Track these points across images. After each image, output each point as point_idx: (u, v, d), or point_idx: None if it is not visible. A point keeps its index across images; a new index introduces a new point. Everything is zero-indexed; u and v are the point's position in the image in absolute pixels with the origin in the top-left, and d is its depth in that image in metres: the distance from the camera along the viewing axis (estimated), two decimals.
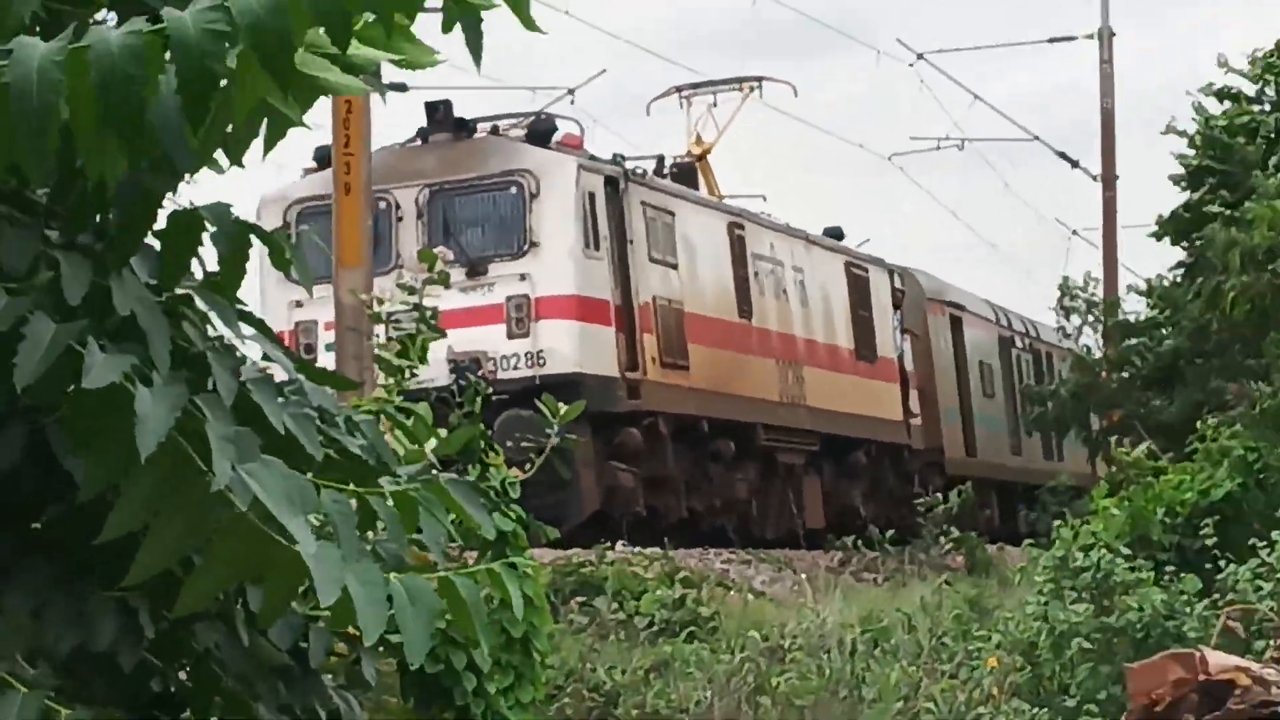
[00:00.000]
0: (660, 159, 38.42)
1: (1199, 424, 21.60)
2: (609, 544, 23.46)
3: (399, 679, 8.24)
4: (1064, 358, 53.63)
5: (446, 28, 5.73)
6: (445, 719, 8.32)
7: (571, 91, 46.95)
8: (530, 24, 5.78)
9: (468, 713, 8.33)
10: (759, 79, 43.35)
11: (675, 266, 34.83)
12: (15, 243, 5.82)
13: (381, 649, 8.15)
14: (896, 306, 44.75)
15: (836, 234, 44.13)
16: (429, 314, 9.97)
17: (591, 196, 32.30)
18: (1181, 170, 38.84)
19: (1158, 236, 37.78)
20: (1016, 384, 51.66)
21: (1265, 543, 16.49)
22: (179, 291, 6.21)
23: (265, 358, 6.41)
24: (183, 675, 6.53)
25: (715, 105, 42.70)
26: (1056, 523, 18.75)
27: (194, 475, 5.45)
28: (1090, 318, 43.95)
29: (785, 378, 38.29)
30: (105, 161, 5.50)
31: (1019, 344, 52.90)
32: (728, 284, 37.14)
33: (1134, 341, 36.32)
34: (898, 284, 45.08)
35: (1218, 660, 11.59)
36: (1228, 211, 32.39)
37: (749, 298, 37.85)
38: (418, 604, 5.74)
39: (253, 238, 6.05)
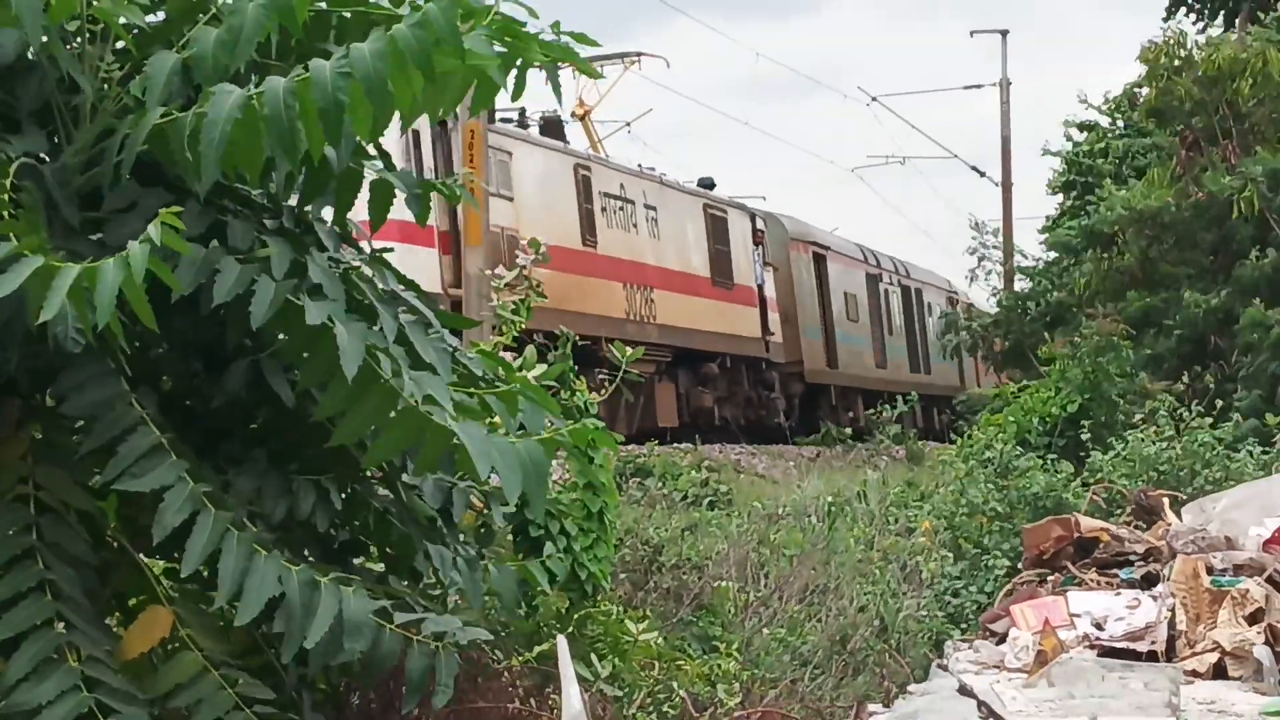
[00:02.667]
0: (522, 111, 32.76)
1: (1045, 349, 22.23)
2: (656, 441, 23.50)
3: (513, 540, 8.21)
4: (940, 293, 52.30)
5: None
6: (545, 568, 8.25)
7: (629, 124, 46.05)
8: (593, 74, 5.86)
9: (560, 562, 8.28)
10: (639, 54, 38.57)
11: (511, 199, 29.76)
12: (239, 230, 5.89)
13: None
14: (758, 244, 39.87)
15: (708, 184, 39.78)
16: (535, 283, 9.83)
17: (416, 135, 26.92)
18: (1055, 182, 40.80)
19: (1047, 230, 38.05)
20: (883, 311, 47.44)
21: (1119, 439, 16.62)
22: (352, 263, 6.27)
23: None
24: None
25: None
26: (970, 427, 18.69)
27: (375, 379, 5.61)
28: (989, 266, 41.99)
29: (633, 299, 33.73)
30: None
31: (887, 280, 48.36)
32: (571, 216, 31.77)
33: (1031, 288, 35.84)
34: (759, 225, 40.26)
35: (1088, 523, 11.58)
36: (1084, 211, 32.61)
37: (594, 229, 32.46)
38: (536, 463, 5.80)
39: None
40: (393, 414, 5.67)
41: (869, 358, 45.70)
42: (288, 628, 5.60)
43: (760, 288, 39.56)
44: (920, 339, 49.92)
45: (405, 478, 6.51)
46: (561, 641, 6.19)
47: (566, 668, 5.89)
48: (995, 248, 39.00)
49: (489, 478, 5.81)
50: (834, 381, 43.00)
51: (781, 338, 40.14)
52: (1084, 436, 17.54)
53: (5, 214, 5.28)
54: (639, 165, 35.95)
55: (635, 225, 34.48)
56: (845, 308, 44.35)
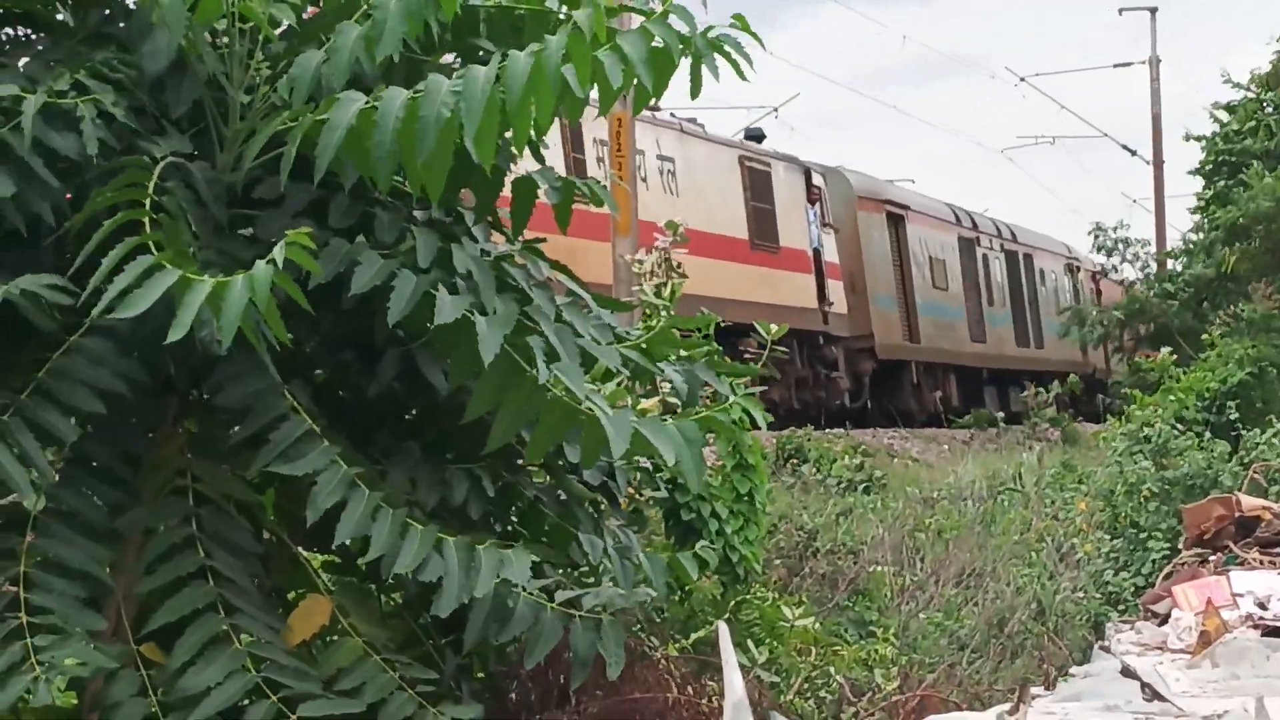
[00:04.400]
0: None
1: (1206, 335, 21.66)
2: (811, 427, 23.31)
3: (663, 524, 8.19)
4: (1058, 259, 47.65)
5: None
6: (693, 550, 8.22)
7: (775, 109, 46.22)
8: (741, 75, 5.75)
9: (712, 546, 8.25)
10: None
11: None
12: (386, 221, 5.90)
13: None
14: (813, 201, 33.62)
15: (756, 135, 35.00)
16: (677, 265, 9.77)
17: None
18: (1200, 166, 39.06)
19: (1200, 211, 37.17)
20: (980, 278, 41.75)
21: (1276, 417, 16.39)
22: (503, 250, 6.27)
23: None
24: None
25: None
26: (1126, 406, 18.42)
27: (522, 374, 5.61)
28: (1125, 255, 40.25)
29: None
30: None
31: (986, 244, 42.60)
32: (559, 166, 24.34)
33: (1177, 270, 35.07)
34: (816, 181, 34.01)
35: (1249, 501, 11.40)
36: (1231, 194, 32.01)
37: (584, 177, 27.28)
38: (690, 440, 5.79)
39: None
40: (542, 407, 5.66)
41: (962, 330, 40.25)
42: (446, 587, 5.61)
43: (817, 252, 33.75)
44: (1031, 310, 44.89)
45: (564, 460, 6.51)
46: (722, 627, 6.15)
47: (728, 653, 5.85)
48: (1125, 242, 38.07)
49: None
50: (914, 357, 37.03)
51: (846, 308, 34.40)
52: (1232, 417, 17.26)
53: (148, 220, 5.32)
54: (665, 113, 30.08)
55: (644, 179, 28.19)
56: (930, 274, 38.87)
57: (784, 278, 32.26)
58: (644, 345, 6.18)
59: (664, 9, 5.54)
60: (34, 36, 6.18)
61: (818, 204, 33.72)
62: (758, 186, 31.80)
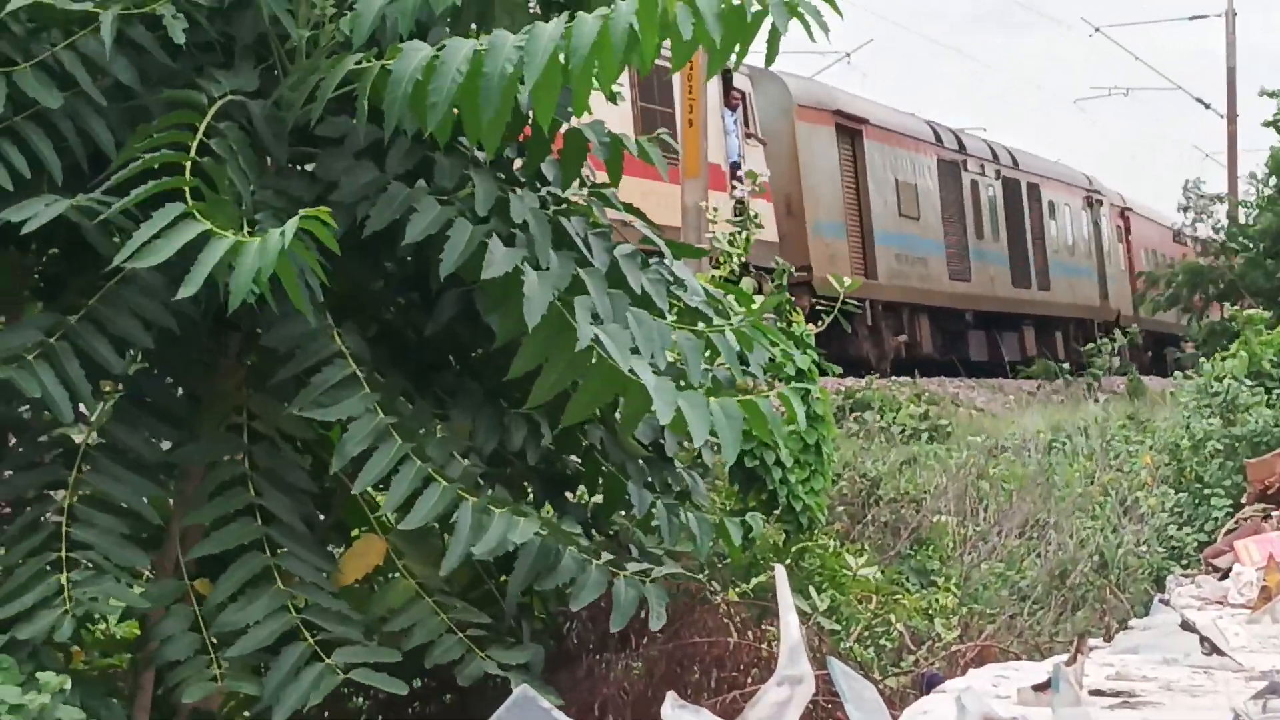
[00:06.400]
0: None
1: None
2: (876, 375, 22.98)
3: (727, 471, 8.06)
4: (1074, 192, 40.60)
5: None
6: (760, 499, 8.09)
7: (848, 55, 44.85)
8: (811, 37, 5.50)
9: (775, 496, 8.13)
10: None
11: None
12: (447, 168, 5.72)
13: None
14: (732, 108, 26.51)
15: None
16: (754, 216, 9.64)
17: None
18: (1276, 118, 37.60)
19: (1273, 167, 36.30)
20: (967, 208, 34.69)
21: None
22: (569, 196, 6.13)
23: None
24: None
25: None
26: (1201, 360, 18.11)
27: (570, 332, 5.41)
28: (1204, 215, 38.91)
29: None
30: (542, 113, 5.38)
31: (975, 169, 35.35)
32: None
33: (1249, 225, 34.32)
34: (738, 85, 26.70)
35: None
36: None
37: None
38: (729, 418, 5.62)
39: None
40: (586, 369, 5.49)
41: (937, 266, 33.24)
42: (454, 544, 5.50)
43: (735, 166, 26.12)
44: (1036, 247, 37.95)
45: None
46: (780, 571, 6.03)
47: (785, 597, 5.73)
48: (1213, 200, 36.77)
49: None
50: (870, 295, 28.69)
51: (776, 235, 26.85)
52: None
53: (188, 166, 5.18)
54: None
55: None
56: (896, 200, 31.91)
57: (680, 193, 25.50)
58: (742, 330, 6.04)
59: None
60: None
61: (739, 110, 26.87)
62: (649, 87, 24.75)
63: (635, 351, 5.52)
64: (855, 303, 10.10)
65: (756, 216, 9.55)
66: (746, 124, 27.19)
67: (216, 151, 5.26)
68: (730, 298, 6.85)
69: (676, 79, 20.90)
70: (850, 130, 30.67)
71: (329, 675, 5.40)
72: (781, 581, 6.01)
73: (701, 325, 6.02)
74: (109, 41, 5.29)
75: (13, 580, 5.28)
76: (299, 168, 5.73)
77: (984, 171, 36.03)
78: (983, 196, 35.76)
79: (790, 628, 5.59)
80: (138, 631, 5.95)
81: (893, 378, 23.95)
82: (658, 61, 5.36)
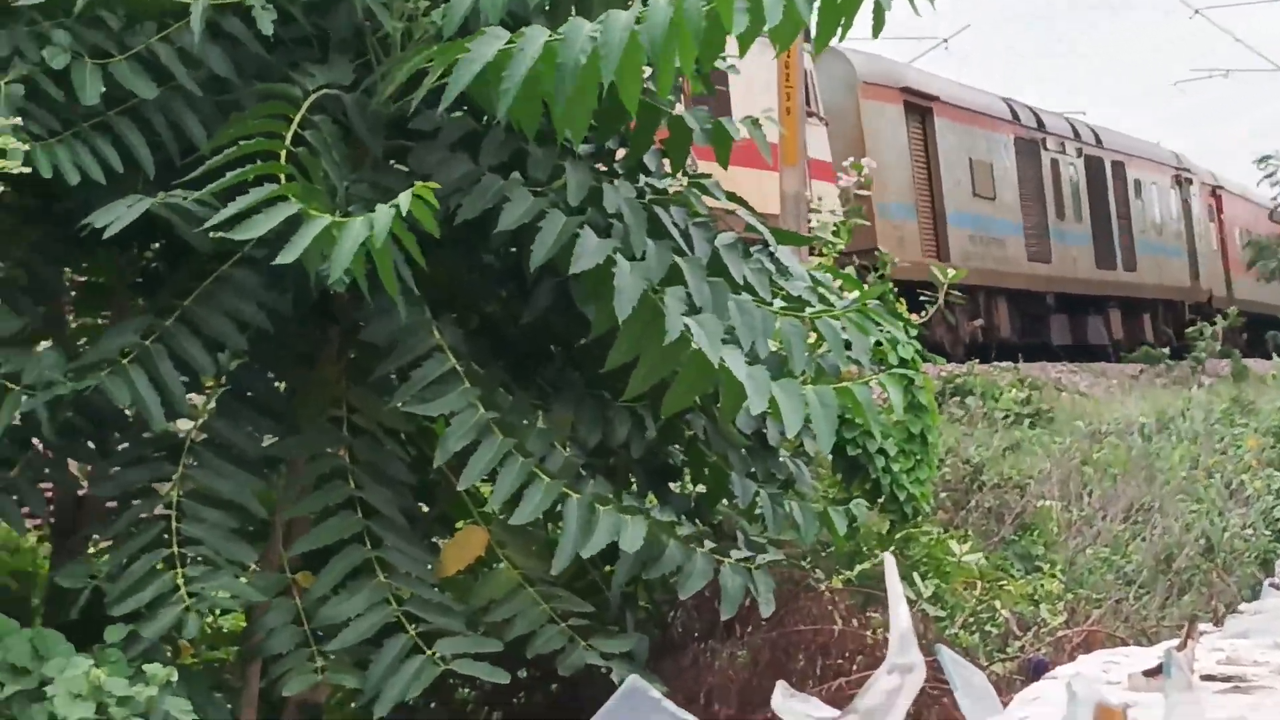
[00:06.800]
0: None
1: None
2: (977, 360, 22.72)
3: (830, 460, 7.99)
4: (1162, 171, 38.91)
5: None
6: (863, 489, 8.01)
7: (945, 40, 44.40)
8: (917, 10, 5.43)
9: (878, 484, 8.04)
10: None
11: None
12: (539, 158, 5.67)
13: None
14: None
15: None
16: (858, 206, 9.55)
17: None
18: None
19: None
20: (1047, 187, 33.14)
21: None
22: (670, 187, 6.07)
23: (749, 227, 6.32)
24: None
25: None
26: None
27: (664, 323, 5.32)
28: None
29: None
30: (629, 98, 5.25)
31: (1055, 147, 33.65)
32: None
33: None
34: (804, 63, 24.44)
35: None
36: None
37: None
38: (825, 406, 5.56)
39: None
40: (681, 360, 5.43)
41: (1015, 248, 31.86)
42: (562, 544, 5.45)
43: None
44: (1121, 226, 36.32)
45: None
46: (889, 559, 5.98)
47: (894, 585, 5.66)
48: None
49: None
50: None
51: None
52: None
53: (283, 154, 5.15)
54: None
55: None
56: (970, 180, 30.58)
57: (741, 176, 23.72)
58: (852, 318, 5.97)
59: None
60: None
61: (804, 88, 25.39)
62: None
63: (730, 341, 5.45)
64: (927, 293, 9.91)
65: (862, 209, 9.45)
66: (808, 102, 24.91)
67: (311, 143, 5.24)
68: (837, 283, 6.79)
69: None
70: (920, 108, 29.40)
71: (430, 666, 5.37)
72: (891, 570, 5.95)
73: (805, 312, 5.96)
74: (198, 29, 5.26)
75: (127, 577, 5.29)
76: (392, 162, 5.70)
77: (1065, 150, 34.52)
78: (1064, 175, 34.25)
79: (900, 616, 5.53)
80: (243, 625, 5.96)
81: (994, 363, 23.74)
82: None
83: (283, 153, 5.10)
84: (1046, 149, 33.55)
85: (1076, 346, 32.08)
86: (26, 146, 5.02)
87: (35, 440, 5.55)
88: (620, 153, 6.13)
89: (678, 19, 4.96)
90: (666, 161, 6.21)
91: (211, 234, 5.02)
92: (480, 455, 5.37)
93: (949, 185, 29.73)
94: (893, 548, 8.09)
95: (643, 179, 6.08)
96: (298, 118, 5.24)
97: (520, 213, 5.41)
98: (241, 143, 5.10)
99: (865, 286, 7.65)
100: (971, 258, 29.01)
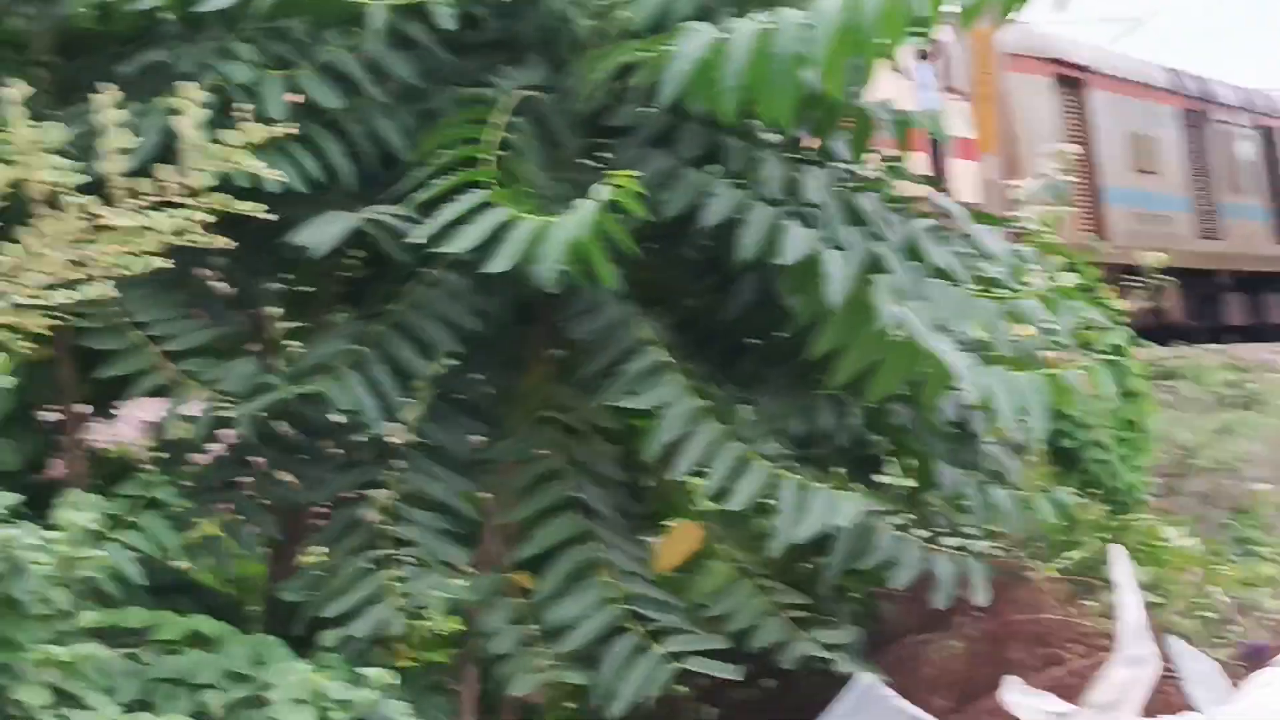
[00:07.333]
0: None
1: None
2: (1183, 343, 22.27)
3: (1045, 451, 7.86)
4: None
5: None
6: (1079, 479, 7.89)
7: (1141, 20, 42.07)
8: None
9: (1092, 474, 7.90)
10: None
11: None
12: (736, 150, 5.64)
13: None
14: (926, 58, 22.72)
15: None
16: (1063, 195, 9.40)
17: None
18: None
19: None
20: (1215, 161, 30.41)
21: None
22: (868, 176, 5.99)
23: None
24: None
25: None
26: None
27: (870, 311, 5.28)
28: None
29: None
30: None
31: (1224, 118, 30.95)
32: None
33: None
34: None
35: None
36: None
37: None
38: (1037, 392, 5.48)
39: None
40: (888, 347, 5.36)
41: (1183, 225, 29.28)
42: (780, 526, 5.40)
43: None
44: None
45: None
46: (1117, 550, 5.90)
47: (1123, 576, 5.57)
48: None
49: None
50: (1103, 259, 21.27)
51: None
52: None
53: (492, 158, 5.15)
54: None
55: None
56: (1133, 155, 28.24)
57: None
58: (1046, 296, 5.87)
59: None
60: None
61: (939, 62, 23.63)
62: None
63: (937, 327, 5.38)
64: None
65: (1066, 198, 9.26)
66: (946, 77, 23.64)
67: (515, 146, 5.23)
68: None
69: None
70: (1072, 80, 26.95)
71: (662, 665, 5.34)
72: (1119, 561, 5.85)
73: (1006, 295, 5.86)
74: (377, 29, 5.26)
75: (339, 579, 5.33)
76: (589, 160, 5.69)
77: (1236, 120, 31.71)
78: (1237, 148, 31.56)
79: (1130, 608, 5.42)
80: (460, 627, 5.97)
81: (1201, 345, 23.27)
82: None
83: (491, 157, 5.10)
84: (1214, 120, 31.01)
85: (1257, 327, 30.24)
86: (272, 172, 4.95)
87: (253, 458, 5.59)
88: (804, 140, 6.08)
89: (890, 3, 4.89)
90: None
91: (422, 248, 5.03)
92: (694, 443, 5.33)
93: (1107, 160, 27.48)
94: (1107, 534, 7.97)
95: (829, 166, 6.02)
96: (502, 122, 5.23)
97: (724, 207, 5.37)
98: (445, 151, 5.11)
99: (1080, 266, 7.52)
100: (1135, 236, 26.63)
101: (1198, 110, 30.35)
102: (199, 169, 4.77)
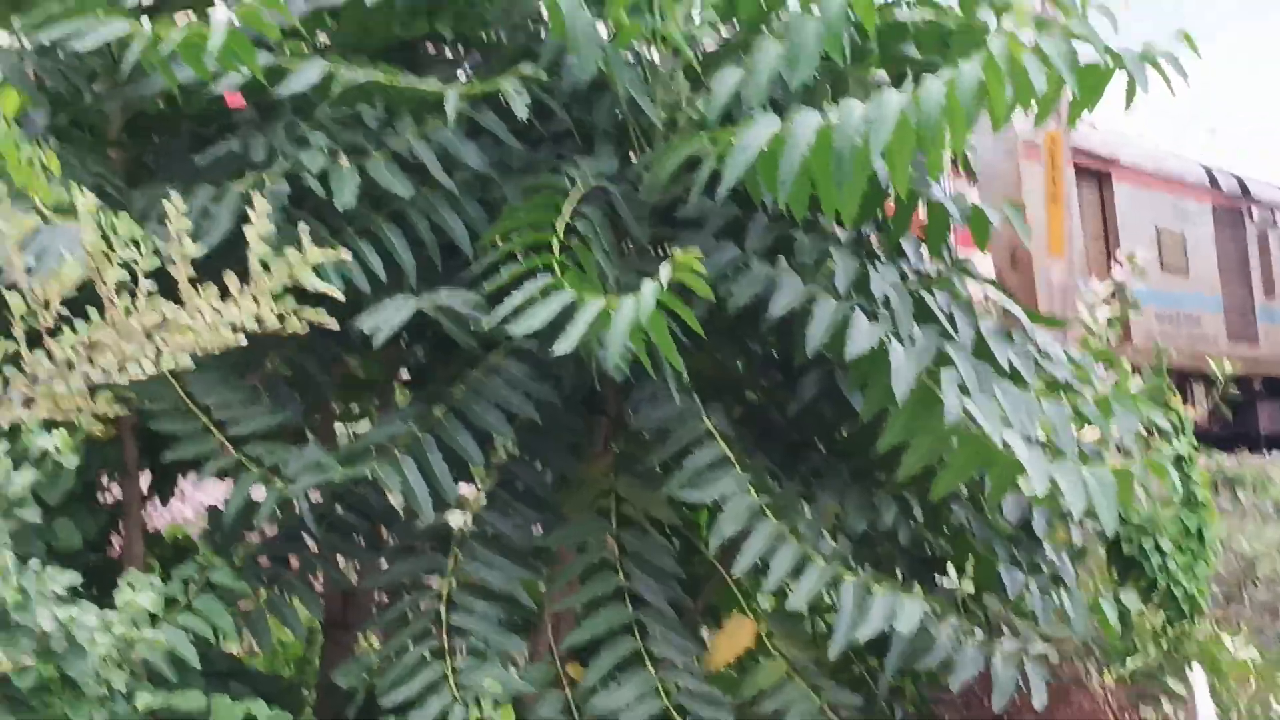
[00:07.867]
0: None
1: None
2: (1246, 449, 22.07)
3: (1106, 556, 7.77)
4: None
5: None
6: (1139, 586, 7.77)
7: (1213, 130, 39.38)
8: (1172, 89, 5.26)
9: (1155, 581, 7.79)
10: None
11: None
12: (806, 244, 5.59)
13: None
14: None
15: None
16: (1134, 302, 9.32)
17: None
18: None
19: None
20: (1253, 259, 29.60)
21: None
22: (933, 273, 5.97)
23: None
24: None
25: None
26: None
27: (938, 405, 5.17)
28: None
29: None
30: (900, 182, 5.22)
31: (1264, 216, 30.18)
32: None
33: None
34: None
35: None
36: None
37: None
38: (1104, 486, 5.33)
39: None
40: (955, 442, 5.27)
41: (1214, 326, 28.49)
42: (839, 626, 5.29)
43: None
44: None
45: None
46: (1198, 673, 5.81)
47: (1203, 704, 5.49)
48: None
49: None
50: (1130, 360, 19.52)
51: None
52: None
53: (556, 244, 5.12)
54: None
55: None
56: (1158, 252, 27.25)
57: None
58: (1104, 399, 5.80)
59: (1081, 6, 5.16)
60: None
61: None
62: None
63: (1004, 424, 5.31)
64: None
65: (1137, 302, 9.18)
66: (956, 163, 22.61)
67: (583, 234, 5.21)
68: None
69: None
70: (1094, 173, 26.33)
71: None
72: (1200, 686, 5.77)
73: (1071, 396, 5.79)
74: (452, 116, 5.23)
75: (397, 668, 5.28)
76: (657, 250, 5.67)
77: (1276, 220, 30.80)
78: (1274, 247, 30.57)
79: None
80: (512, 716, 5.92)
81: (1266, 453, 23.00)
82: None
83: (555, 243, 5.07)
84: (1252, 218, 30.05)
85: None
86: (332, 289, 4.91)
87: (306, 537, 5.57)
88: (875, 238, 6.04)
89: (951, 98, 4.85)
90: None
91: (490, 328, 5.00)
92: (754, 540, 5.26)
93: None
94: (1167, 644, 7.86)
95: (901, 263, 5.99)
96: (569, 209, 5.21)
97: (791, 299, 5.32)
98: (514, 235, 5.09)
99: (1136, 375, 7.44)
100: (1166, 336, 25.73)
101: (1232, 208, 29.44)
102: (266, 279, 4.76)
